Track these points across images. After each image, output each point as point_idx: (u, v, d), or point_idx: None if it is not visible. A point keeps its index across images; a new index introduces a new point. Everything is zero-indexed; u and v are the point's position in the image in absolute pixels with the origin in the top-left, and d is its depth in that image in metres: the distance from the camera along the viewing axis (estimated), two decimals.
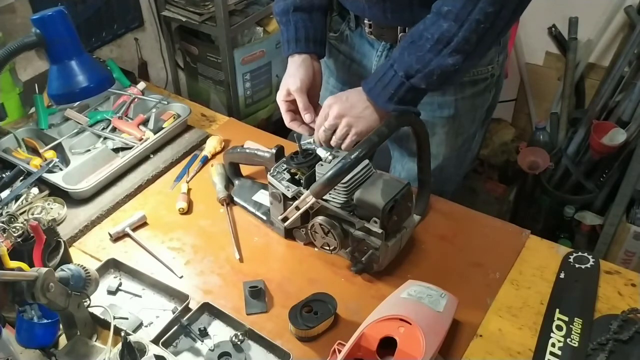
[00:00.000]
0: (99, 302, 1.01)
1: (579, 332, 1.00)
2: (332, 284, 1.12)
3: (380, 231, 1.04)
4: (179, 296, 1.07)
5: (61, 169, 1.36)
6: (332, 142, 1.10)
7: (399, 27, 1.14)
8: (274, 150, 1.21)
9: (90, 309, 1.00)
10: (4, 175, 1.31)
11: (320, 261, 1.17)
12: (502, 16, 0.96)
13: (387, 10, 1.11)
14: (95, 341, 1.00)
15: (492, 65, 1.23)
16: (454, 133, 1.29)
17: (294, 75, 1.17)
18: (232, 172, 1.36)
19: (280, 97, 1.19)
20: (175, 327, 1.00)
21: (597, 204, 2.30)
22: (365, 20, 1.19)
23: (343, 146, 1.10)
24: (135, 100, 1.56)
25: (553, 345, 0.98)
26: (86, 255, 1.20)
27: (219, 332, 1.02)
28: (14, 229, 1.03)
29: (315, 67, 1.19)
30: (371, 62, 1.24)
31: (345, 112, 1.07)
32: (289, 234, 1.21)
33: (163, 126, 1.50)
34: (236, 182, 1.35)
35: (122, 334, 0.92)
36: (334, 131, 1.10)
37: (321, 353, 0.99)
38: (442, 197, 1.31)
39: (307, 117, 1.15)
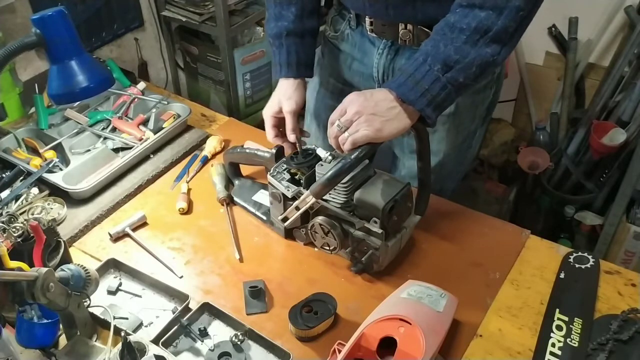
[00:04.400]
0: (99, 302, 1.01)
1: (579, 332, 1.00)
2: (332, 284, 1.12)
3: (380, 231, 1.04)
4: (179, 296, 1.07)
5: (61, 169, 1.36)
6: (341, 140, 1.00)
7: (400, 24, 1.14)
8: (274, 150, 1.21)
9: (90, 309, 1.00)
10: (4, 175, 1.31)
11: (320, 261, 1.17)
12: (538, 3, 0.95)
13: (389, 6, 1.11)
14: (95, 341, 1.00)
15: None
16: (454, 130, 1.29)
17: (290, 97, 1.21)
18: (232, 172, 1.36)
19: (270, 112, 1.22)
20: (175, 327, 1.00)
21: (597, 204, 2.30)
22: (366, 18, 1.19)
23: (355, 136, 0.98)
24: (135, 100, 1.56)
25: (553, 345, 0.98)
26: (86, 255, 1.20)
27: (219, 332, 1.02)
28: (14, 229, 1.03)
29: (295, 87, 1.23)
30: (372, 60, 1.24)
31: (366, 109, 0.98)
32: (289, 234, 1.21)
33: (163, 126, 1.50)
34: (236, 182, 1.35)
35: (122, 334, 0.92)
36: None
37: (321, 353, 0.99)
38: (441, 195, 1.31)
39: (291, 137, 1.18)
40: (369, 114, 0.97)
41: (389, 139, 0.99)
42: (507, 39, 0.96)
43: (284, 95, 1.21)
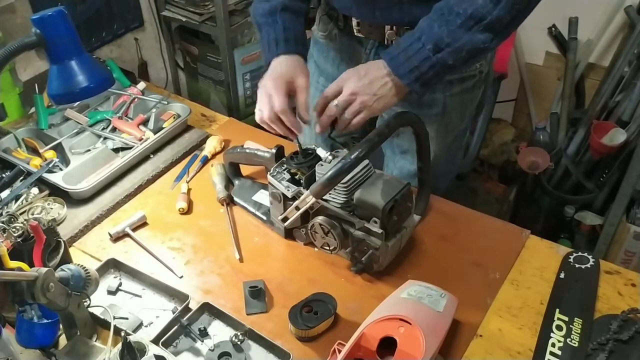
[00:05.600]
0: (99, 302, 1.01)
1: (579, 332, 1.00)
2: (332, 284, 1.12)
3: (380, 231, 1.04)
4: (179, 296, 1.07)
5: (61, 169, 1.36)
6: (341, 120, 1.05)
7: (386, 26, 1.15)
8: (274, 150, 1.21)
9: (90, 309, 1.00)
10: (4, 175, 1.31)
11: (320, 261, 1.17)
12: None
13: (376, 9, 1.11)
14: (95, 341, 1.00)
15: (481, 62, 1.24)
16: (443, 130, 1.30)
17: (271, 74, 1.13)
18: (232, 172, 1.36)
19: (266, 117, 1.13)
20: (175, 327, 1.00)
21: (597, 204, 2.30)
22: (353, 19, 1.19)
23: (353, 121, 1.04)
24: (135, 100, 1.56)
25: (553, 345, 0.98)
26: (86, 255, 1.20)
27: (219, 332, 1.02)
28: (14, 229, 1.03)
29: (299, 63, 1.18)
30: (360, 60, 1.24)
31: (362, 89, 1.03)
32: (289, 234, 1.21)
33: (163, 126, 1.50)
34: (236, 182, 1.35)
35: (122, 334, 0.92)
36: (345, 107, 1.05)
37: (321, 353, 0.99)
38: (435, 194, 1.31)
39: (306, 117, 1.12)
40: (364, 94, 1.03)
41: (382, 112, 1.06)
42: (501, 29, 0.98)
43: (268, 77, 1.14)
